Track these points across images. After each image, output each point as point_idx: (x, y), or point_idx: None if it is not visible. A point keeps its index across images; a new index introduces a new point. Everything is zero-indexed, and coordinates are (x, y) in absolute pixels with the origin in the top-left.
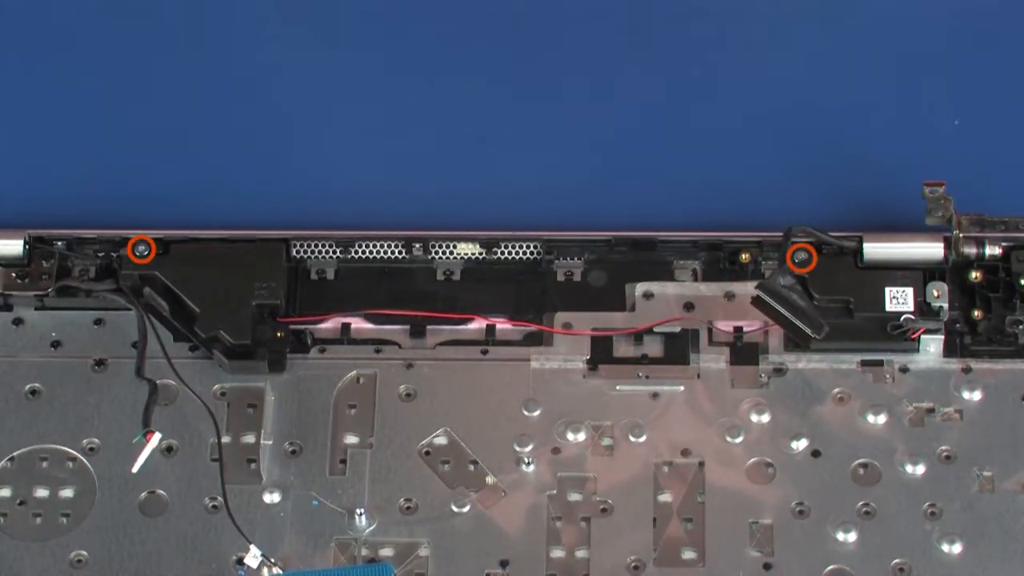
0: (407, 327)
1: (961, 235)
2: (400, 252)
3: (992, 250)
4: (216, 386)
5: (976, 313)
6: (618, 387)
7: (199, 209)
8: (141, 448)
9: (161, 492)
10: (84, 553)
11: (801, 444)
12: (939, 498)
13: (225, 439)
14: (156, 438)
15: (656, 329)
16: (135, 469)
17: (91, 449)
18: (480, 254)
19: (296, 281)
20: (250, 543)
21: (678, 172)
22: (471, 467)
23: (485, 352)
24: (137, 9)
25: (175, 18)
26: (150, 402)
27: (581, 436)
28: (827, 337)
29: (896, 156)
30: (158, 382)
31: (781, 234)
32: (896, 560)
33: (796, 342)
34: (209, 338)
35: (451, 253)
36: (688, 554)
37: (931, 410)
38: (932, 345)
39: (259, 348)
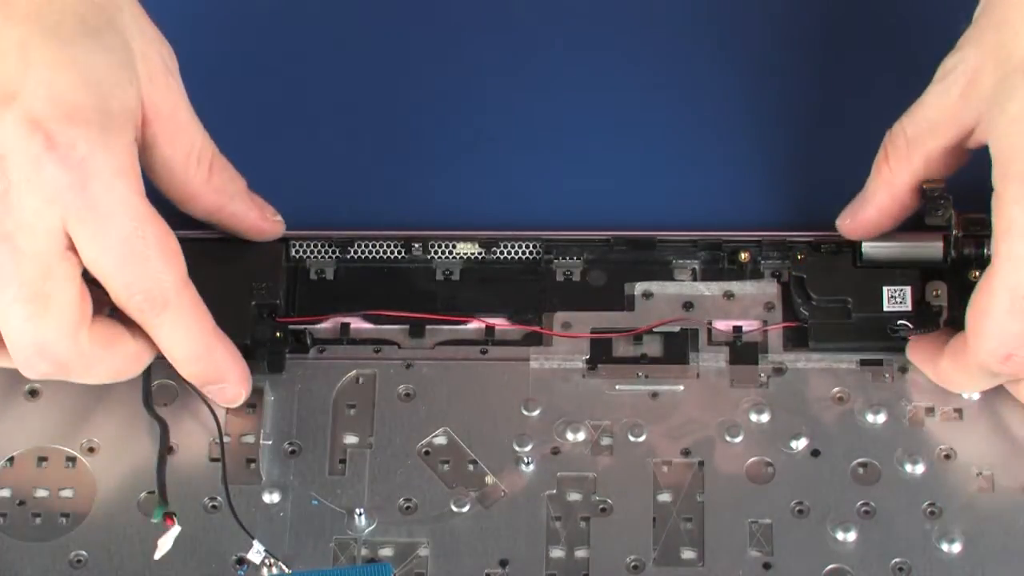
0: (406, 327)
1: (960, 235)
2: (399, 252)
3: (991, 250)
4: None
5: None
6: (617, 387)
7: None
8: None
9: None
10: (84, 553)
11: (801, 443)
12: (939, 497)
13: (224, 439)
14: (175, 530)
15: (655, 329)
16: (157, 557)
17: (91, 449)
18: (479, 254)
19: (295, 281)
20: (252, 538)
21: (678, 172)
22: (470, 467)
23: (484, 352)
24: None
25: (173, 17)
26: (162, 466)
27: (581, 436)
28: (826, 337)
29: None
30: (156, 382)
31: (781, 234)
32: (896, 559)
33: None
34: None
35: (450, 253)
36: (688, 554)
37: (930, 409)
38: None
39: (258, 348)
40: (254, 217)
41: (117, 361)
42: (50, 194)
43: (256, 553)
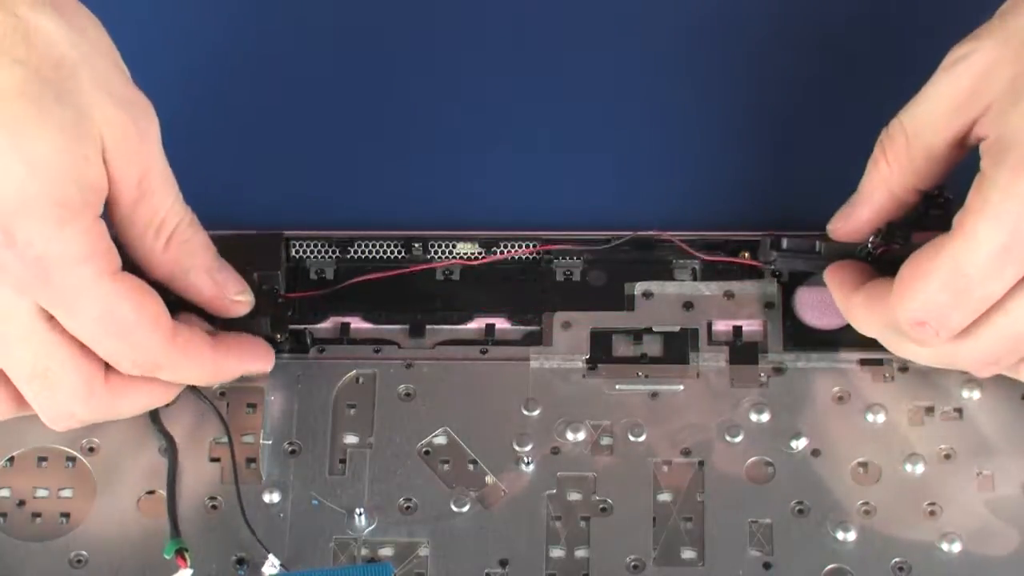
0: (406, 327)
1: None
2: (399, 252)
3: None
4: (215, 386)
5: None
6: (617, 386)
7: (198, 209)
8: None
9: (161, 492)
10: (84, 553)
11: (801, 443)
12: (939, 497)
13: (224, 439)
14: (187, 573)
15: (656, 328)
16: None
17: (91, 449)
18: (479, 254)
19: (295, 281)
20: (268, 552)
21: (678, 172)
22: (471, 467)
23: (484, 352)
24: (135, 8)
25: (171, 17)
26: (172, 492)
27: (581, 436)
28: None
29: None
30: None
31: (780, 234)
32: (896, 559)
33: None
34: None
35: (450, 253)
36: (688, 553)
37: (931, 409)
38: None
39: (262, 315)
40: (209, 296)
41: (144, 399)
42: (17, 286)
43: (271, 566)
